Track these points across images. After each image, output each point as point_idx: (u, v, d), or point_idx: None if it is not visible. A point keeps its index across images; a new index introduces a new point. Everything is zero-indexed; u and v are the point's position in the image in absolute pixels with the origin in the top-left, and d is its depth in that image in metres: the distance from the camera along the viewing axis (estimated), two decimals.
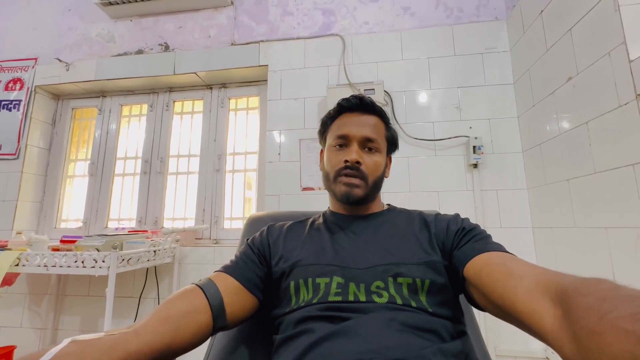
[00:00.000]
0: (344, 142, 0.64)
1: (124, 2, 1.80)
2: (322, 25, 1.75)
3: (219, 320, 0.51)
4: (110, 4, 1.81)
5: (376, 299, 0.50)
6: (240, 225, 1.79)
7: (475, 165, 1.48)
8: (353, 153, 0.61)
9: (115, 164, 1.97)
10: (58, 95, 2.07)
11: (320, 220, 0.68)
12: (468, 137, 1.50)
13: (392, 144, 0.69)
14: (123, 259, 1.25)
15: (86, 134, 2.08)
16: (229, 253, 1.59)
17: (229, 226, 1.80)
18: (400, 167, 1.54)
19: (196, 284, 0.54)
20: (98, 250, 1.26)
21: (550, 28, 1.24)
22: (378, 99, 1.51)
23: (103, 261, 1.20)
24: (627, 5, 0.91)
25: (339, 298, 0.51)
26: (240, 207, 1.82)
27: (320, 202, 1.47)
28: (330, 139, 0.67)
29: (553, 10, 1.22)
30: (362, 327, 0.46)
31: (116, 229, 1.80)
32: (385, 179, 0.68)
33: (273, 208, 1.60)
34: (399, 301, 0.49)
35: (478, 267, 0.48)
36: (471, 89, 1.56)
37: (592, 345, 0.28)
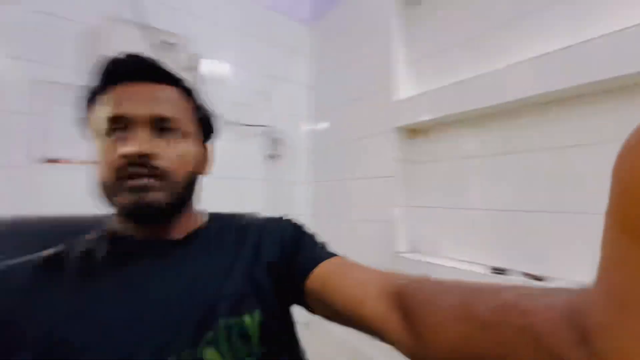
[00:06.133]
0: (120, 126, 0.41)
1: None
2: None
3: None
4: None
5: None
6: None
7: (272, 157, 1.54)
8: (133, 142, 0.40)
9: None
10: None
11: (101, 250, 0.42)
12: (268, 127, 1.53)
13: (208, 128, 0.52)
14: None
15: None
16: None
17: None
18: None
19: None
20: None
21: (347, 47, 1.47)
22: (181, 60, 1.21)
23: None
24: (398, 55, 1.22)
25: None
26: None
27: (72, 186, 0.97)
28: (97, 123, 0.42)
29: (350, 34, 1.45)
30: None
31: None
32: (204, 176, 0.52)
33: None
34: None
35: (320, 279, 0.45)
36: (277, 81, 1.60)
37: (431, 337, 0.31)
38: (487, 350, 0.26)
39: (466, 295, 0.30)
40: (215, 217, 0.54)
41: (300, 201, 1.65)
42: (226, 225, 0.52)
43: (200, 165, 0.49)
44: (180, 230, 0.47)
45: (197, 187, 0.49)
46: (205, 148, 0.52)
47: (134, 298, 0.37)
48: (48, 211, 0.56)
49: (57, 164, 1.02)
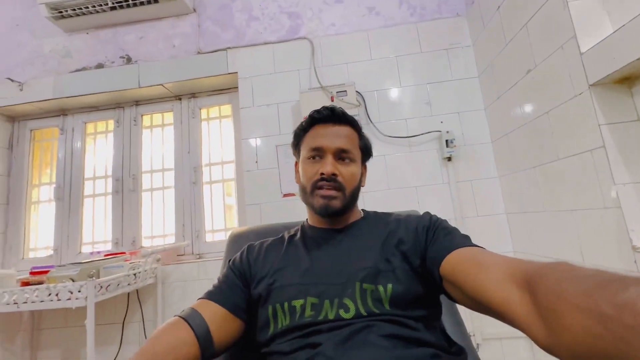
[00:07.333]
0: (318, 154, 0.63)
1: (77, 15, 1.70)
2: (289, 28, 1.73)
3: (206, 349, 0.51)
4: (63, 17, 1.71)
5: (343, 314, 0.50)
6: (223, 237, 1.76)
7: (449, 159, 1.53)
8: (328, 165, 0.61)
9: (84, 185, 1.87)
10: (13, 117, 1.93)
11: (298, 235, 0.68)
12: (440, 131, 1.55)
13: (366, 153, 0.70)
14: (101, 287, 1.19)
15: (48, 155, 1.96)
16: (214, 267, 1.56)
17: (211, 239, 1.76)
18: (377, 165, 1.56)
19: (179, 316, 0.53)
20: (73, 281, 1.20)
21: (508, 23, 1.29)
22: (350, 100, 1.52)
23: (79, 291, 1.14)
24: (574, 1, 0.97)
25: (311, 319, 0.51)
26: (221, 219, 1.79)
27: (302, 208, 1.45)
28: (304, 151, 0.67)
29: (509, 6, 1.28)
30: (335, 353, 0.46)
31: (91, 253, 1.72)
32: (361, 187, 0.69)
33: (255, 217, 1.58)
34: (363, 312, 0.50)
35: (451, 265, 0.49)
36: (439, 84, 1.61)
37: (555, 324, 0.30)
38: (607, 346, 0.26)
39: (594, 286, 0.29)
40: (368, 214, 0.71)
41: (489, 199, 1.50)
42: (375, 219, 0.67)
43: (361, 180, 0.68)
44: (344, 222, 0.66)
45: (357, 195, 0.67)
46: (364, 168, 0.71)
47: (309, 263, 0.59)
48: (285, 220, 0.93)
49: (289, 196, 1.57)
